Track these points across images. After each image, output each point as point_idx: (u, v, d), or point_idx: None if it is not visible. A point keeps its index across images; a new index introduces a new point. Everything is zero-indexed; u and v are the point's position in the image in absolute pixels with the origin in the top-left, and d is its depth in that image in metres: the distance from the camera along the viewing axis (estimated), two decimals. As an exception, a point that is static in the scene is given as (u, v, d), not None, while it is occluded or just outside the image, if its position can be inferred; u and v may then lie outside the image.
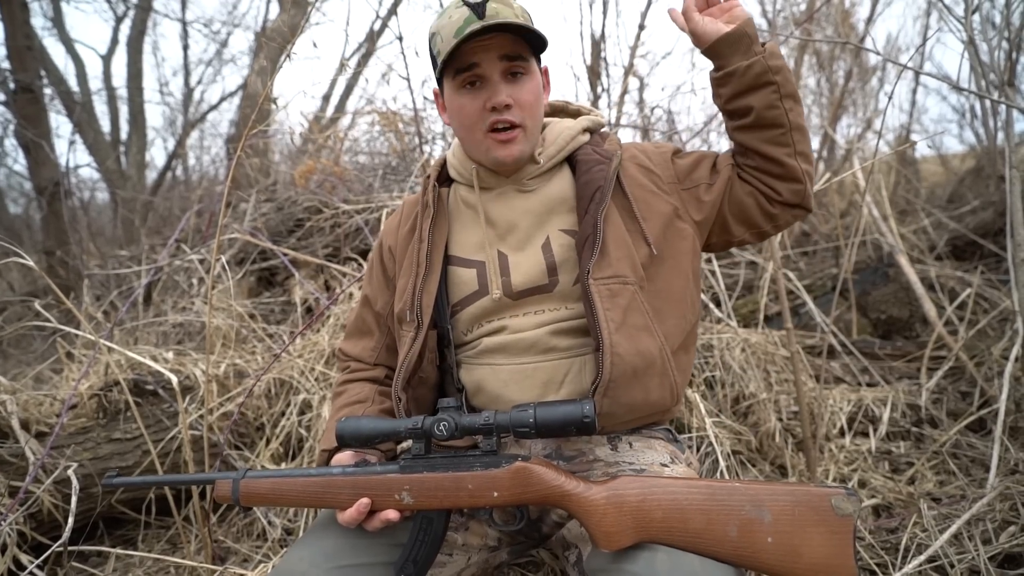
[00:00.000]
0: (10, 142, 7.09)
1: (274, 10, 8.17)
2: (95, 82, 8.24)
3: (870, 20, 4.41)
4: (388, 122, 3.76)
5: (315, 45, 3.50)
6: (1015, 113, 2.15)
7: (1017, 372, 2.08)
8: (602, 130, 1.41)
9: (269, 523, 2.02)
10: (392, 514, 1.06)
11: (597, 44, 3.97)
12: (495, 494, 1.03)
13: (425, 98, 4.38)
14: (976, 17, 2.00)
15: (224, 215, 2.78)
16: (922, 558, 1.53)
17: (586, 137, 1.35)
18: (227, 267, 3.09)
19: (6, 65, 5.05)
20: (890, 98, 2.08)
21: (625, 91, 3.89)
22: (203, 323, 3.03)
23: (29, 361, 3.69)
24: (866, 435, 2.33)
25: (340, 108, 6.89)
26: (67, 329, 1.99)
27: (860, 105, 4.98)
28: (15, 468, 1.90)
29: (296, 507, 1.64)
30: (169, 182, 7.96)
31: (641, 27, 3.78)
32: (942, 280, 3.20)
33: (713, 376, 2.33)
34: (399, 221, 1.42)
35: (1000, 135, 3.63)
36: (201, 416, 2.10)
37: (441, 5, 2.65)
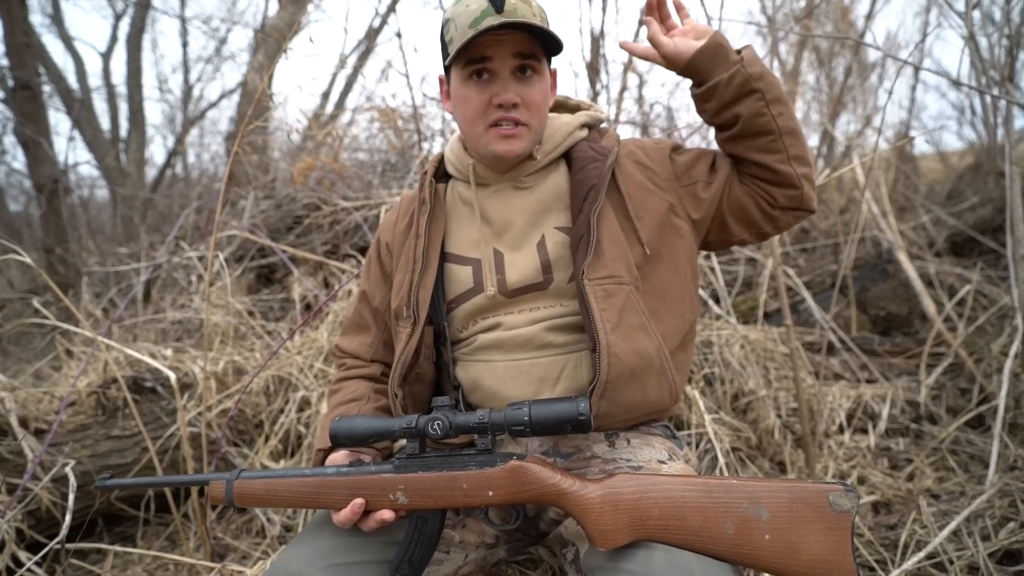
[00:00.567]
0: (9, 139, 7.11)
1: (273, 7, 8.16)
2: (94, 79, 8.26)
3: (870, 16, 4.39)
4: (387, 119, 3.75)
5: (312, 41, 3.49)
6: (1015, 109, 2.14)
7: (1016, 369, 2.07)
8: (601, 126, 1.40)
9: (268, 520, 2.02)
10: (387, 514, 1.06)
11: (596, 40, 3.96)
12: (490, 493, 1.02)
13: (424, 94, 4.37)
14: (976, 13, 1.99)
15: (223, 212, 2.77)
16: (921, 555, 1.53)
17: (584, 133, 1.34)
18: (226, 264, 3.09)
19: (5, 62, 5.05)
20: (890, 94, 2.07)
21: (624, 87, 3.88)
22: (202, 320, 3.03)
23: (28, 358, 3.69)
24: (865, 432, 2.33)
25: (339, 105, 6.88)
26: (66, 326, 1.99)
27: (859, 102, 4.97)
28: (13, 465, 1.90)
29: (291, 508, 1.64)
30: (168, 179, 7.96)
31: (641, 23, 3.77)
32: (941, 277, 3.19)
33: (712, 373, 2.33)
34: (397, 217, 1.41)
35: (1000, 131, 3.62)
36: (200, 413, 2.10)
37: (442, 5, 2.63)
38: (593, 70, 3.98)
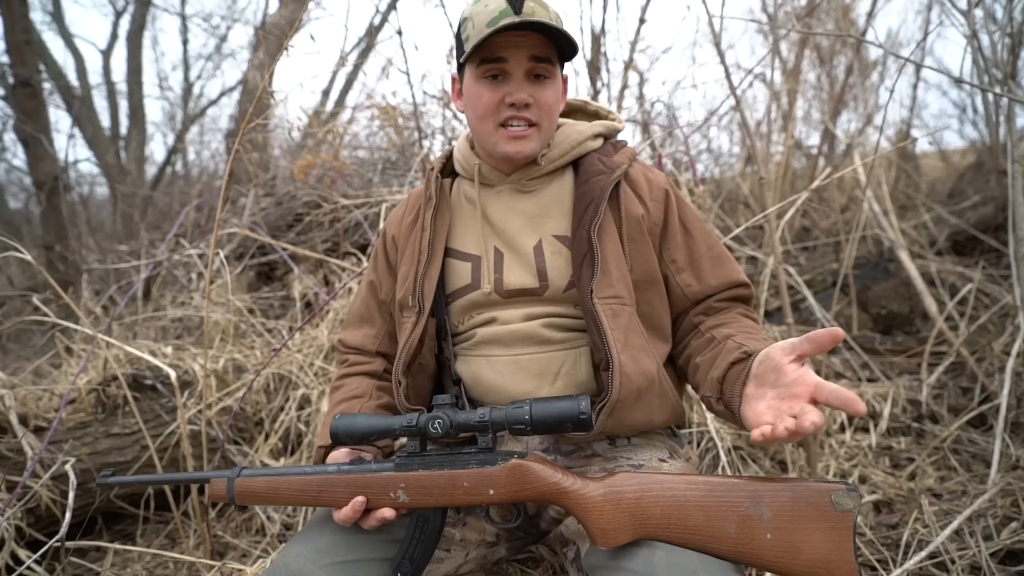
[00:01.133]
0: (9, 137, 7.11)
1: (274, 4, 8.16)
2: (94, 77, 8.29)
3: (871, 14, 4.38)
4: (387, 117, 3.75)
5: (313, 38, 3.48)
6: (1017, 107, 2.14)
7: (1018, 367, 2.07)
8: (617, 137, 1.39)
9: (268, 518, 2.02)
10: (388, 512, 1.05)
11: (597, 39, 3.95)
12: (491, 492, 1.02)
13: (425, 92, 4.36)
14: (978, 11, 1.98)
15: (223, 210, 2.77)
16: (923, 554, 1.52)
17: (597, 143, 1.32)
18: (226, 262, 3.09)
19: (5, 59, 5.05)
20: (891, 93, 2.06)
21: (625, 86, 3.87)
22: (202, 318, 3.03)
23: (28, 355, 3.69)
24: (867, 431, 2.33)
25: (340, 103, 6.88)
26: (66, 324, 1.98)
27: (861, 100, 4.95)
28: (13, 463, 1.90)
29: (292, 505, 1.64)
30: (168, 177, 7.96)
31: (641, 21, 3.75)
32: (943, 275, 3.19)
33: (713, 371, 2.31)
34: (403, 212, 1.42)
35: (1002, 129, 3.62)
36: (200, 411, 2.10)
37: (442, 4, 2.62)
38: (594, 68, 3.97)
